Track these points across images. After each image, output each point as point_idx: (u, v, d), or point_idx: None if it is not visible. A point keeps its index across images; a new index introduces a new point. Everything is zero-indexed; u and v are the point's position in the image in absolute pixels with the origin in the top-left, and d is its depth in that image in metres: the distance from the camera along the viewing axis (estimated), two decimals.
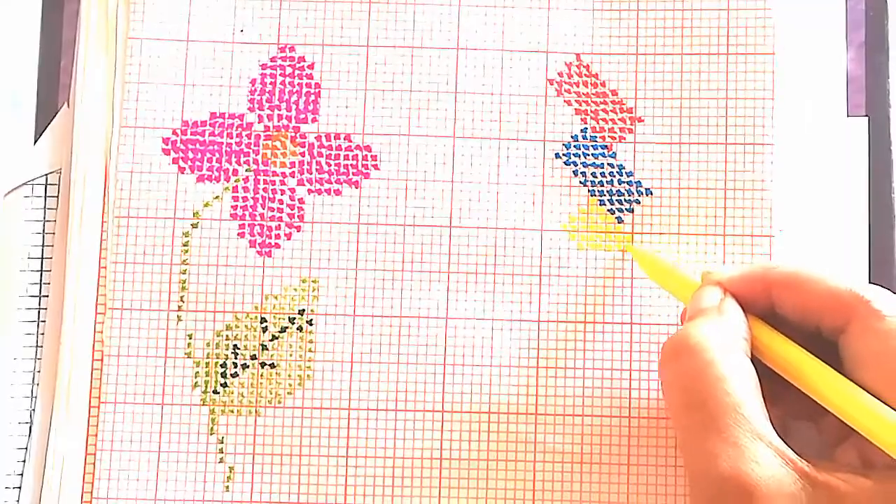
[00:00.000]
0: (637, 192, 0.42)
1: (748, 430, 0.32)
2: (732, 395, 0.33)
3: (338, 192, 0.42)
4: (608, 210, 0.42)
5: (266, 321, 0.42)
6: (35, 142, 0.43)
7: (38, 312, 0.42)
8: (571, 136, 0.43)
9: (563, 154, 0.43)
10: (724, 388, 0.33)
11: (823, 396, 0.34)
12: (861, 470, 0.33)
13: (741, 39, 0.43)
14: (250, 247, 0.42)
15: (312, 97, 0.43)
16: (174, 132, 0.43)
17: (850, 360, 0.34)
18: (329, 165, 0.43)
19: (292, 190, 0.42)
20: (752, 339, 0.36)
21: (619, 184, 0.42)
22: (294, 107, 0.43)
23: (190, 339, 0.42)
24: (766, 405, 0.37)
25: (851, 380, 0.34)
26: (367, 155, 0.43)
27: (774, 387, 0.35)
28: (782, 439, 0.33)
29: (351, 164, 0.43)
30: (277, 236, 0.42)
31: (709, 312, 0.36)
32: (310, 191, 0.42)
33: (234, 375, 0.41)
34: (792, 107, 0.43)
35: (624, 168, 0.43)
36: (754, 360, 0.36)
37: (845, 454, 0.35)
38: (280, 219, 0.42)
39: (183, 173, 0.43)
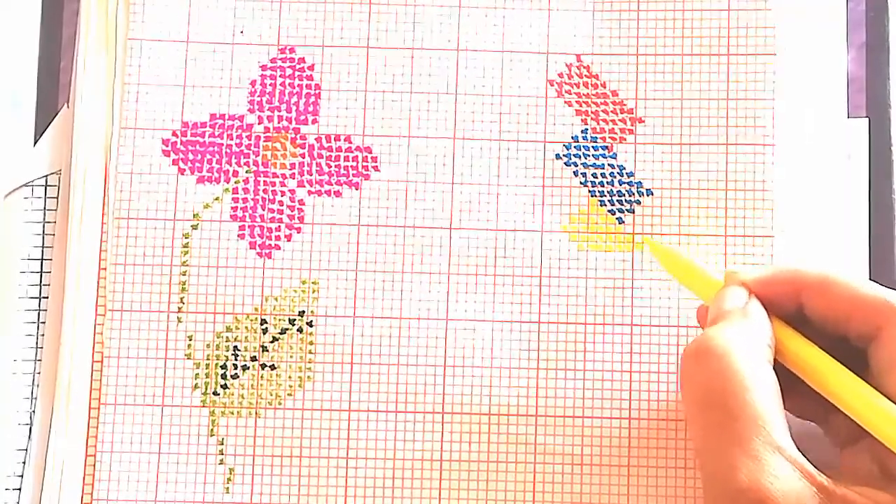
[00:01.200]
0: (638, 192, 0.42)
1: (768, 442, 0.32)
2: (755, 406, 0.32)
3: (338, 194, 0.42)
4: (609, 211, 0.42)
5: (266, 322, 0.42)
6: (35, 143, 0.43)
7: (38, 314, 0.42)
8: (572, 137, 0.43)
9: (564, 155, 0.43)
10: (747, 398, 0.32)
11: (847, 404, 0.34)
12: (880, 482, 0.33)
13: (742, 40, 0.43)
14: (250, 248, 0.42)
15: (312, 98, 0.43)
16: (174, 133, 0.43)
17: (880, 368, 0.34)
18: (329, 167, 0.43)
19: (292, 191, 0.42)
20: (775, 342, 0.35)
21: (620, 184, 0.42)
22: (294, 108, 0.43)
23: (190, 340, 0.42)
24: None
25: (880, 388, 0.33)
26: (367, 156, 0.43)
27: (782, 385, 0.35)
28: (800, 451, 0.33)
29: (351, 166, 0.43)
30: (277, 238, 0.42)
31: (734, 315, 0.35)
32: (310, 192, 0.42)
33: (235, 377, 0.41)
34: (793, 108, 0.43)
35: (625, 169, 0.43)
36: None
37: (854, 458, 0.35)
38: (280, 220, 0.42)
39: (183, 174, 0.42)
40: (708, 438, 0.33)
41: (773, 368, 0.35)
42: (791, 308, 0.36)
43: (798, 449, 0.32)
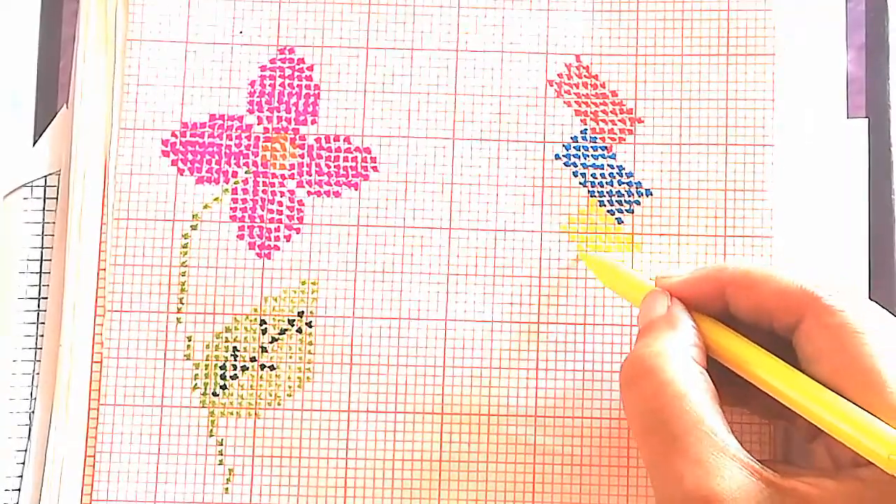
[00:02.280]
0: (637, 192, 0.42)
1: (710, 445, 0.32)
2: (692, 411, 0.33)
3: (337, 194, 0.42)
4: (608, 211, 0.42)
5: (265, 323, 0.42)
6: (34, 143, 0.43)
7: (38, 314, 0.42)
8: (571, 138, 0.43)
9: (563, 155, 0.43)
10: (682, 405, 0.33)
11: (783, 394, 0.34)
12: (830, 471, 0.34)
13: (741, 41, 0.43)
14: (250, 248, 0.42)
15: (312, 99, 0.43)
16: (173, 134, 0.43)
17: (805, 357, 0.34)
18: (328, 167, 0.43)
19: (291, 192, 0.42)
20: (710, 342, 0.36)
21: (619, 185, 0.42)
22: (293, 108, 0.43)
23: (189, 340, 0.42)
24: (741, 406, 0.38)
25: (807, 376, 0.34)
26: (366, 157, 0.43)
27: (746, 388, 0.35)
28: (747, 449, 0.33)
29: (350, 166, 0.43)
30: (277, 238, 0.42)
31: (658, 325, 0.36)
32: (309, 192, 0.42)
33: (234, 377, 0.41)
34: (792, 108, 0.43)
35: (624, 169, 0.43)
36: (719, 364, 0.36)
37: (817, 450, 0.35)
38: (279, 220, 0.42)
39: (182, 175, 0.43)
40: (654, 454, 0.33)
41: (731, 373, 0.35)
42: (718, 307, 0.36)
43: (742, 446, 0.33)
